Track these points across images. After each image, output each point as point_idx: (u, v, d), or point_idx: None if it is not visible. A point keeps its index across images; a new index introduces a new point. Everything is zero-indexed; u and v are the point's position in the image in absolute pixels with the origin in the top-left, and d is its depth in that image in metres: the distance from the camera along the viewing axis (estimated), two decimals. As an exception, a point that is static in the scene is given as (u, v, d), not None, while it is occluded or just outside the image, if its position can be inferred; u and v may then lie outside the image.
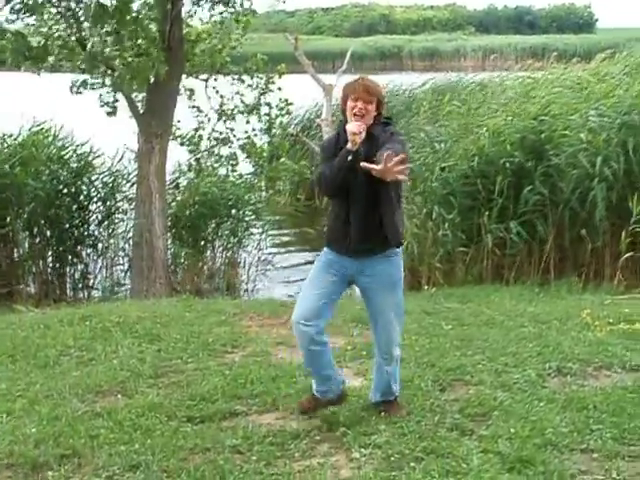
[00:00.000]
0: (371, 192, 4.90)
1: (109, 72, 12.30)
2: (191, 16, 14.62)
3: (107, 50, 11.78)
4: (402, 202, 5.26)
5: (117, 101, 13.70)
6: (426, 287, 11.82)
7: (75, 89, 13.75)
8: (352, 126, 4.83)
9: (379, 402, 5.39)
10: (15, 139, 14.15)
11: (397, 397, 5.43)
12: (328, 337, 5.21)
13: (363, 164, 4.59)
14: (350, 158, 4.80)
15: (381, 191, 4.88)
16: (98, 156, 14.70)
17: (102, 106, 13.81)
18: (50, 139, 14.66)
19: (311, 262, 14.84)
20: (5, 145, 13.97)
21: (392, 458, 4.67)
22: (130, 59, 11.67)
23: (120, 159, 14.91)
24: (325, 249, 5.25)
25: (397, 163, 4.45)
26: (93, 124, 15.09)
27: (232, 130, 15.87)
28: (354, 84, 5.04)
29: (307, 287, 5.19)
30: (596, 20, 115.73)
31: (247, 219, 15.36)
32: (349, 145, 4.82)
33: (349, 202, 5.02)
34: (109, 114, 13.74)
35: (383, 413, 5.28)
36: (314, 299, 5.07)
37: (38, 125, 14.76)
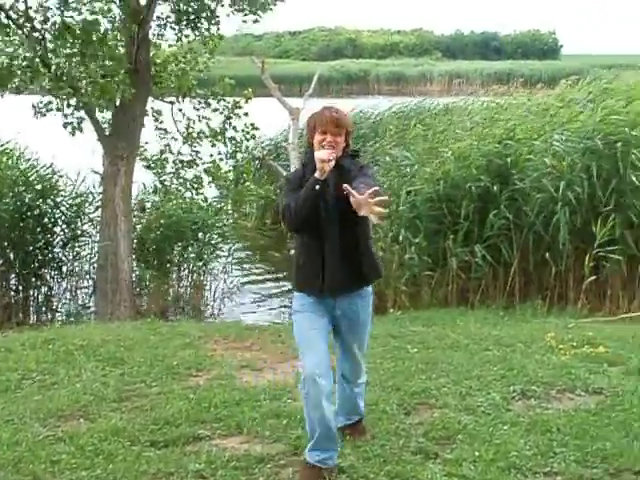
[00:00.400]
0: (346, 225, 4.67)
1: (74, 92, 12.23)
2: (161, 36, 14.59)
3: (72, 71, 11.77)
4: (371, 234, 5.06)
5: (82, 120, 13.58)
6: (392, 310, 11.84)
7: (38, 111, 13.65)
8: (322, 153, 4.59)
9: (345, 426, 5.28)
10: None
11: (362, 419, 5.38)
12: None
13: (345, 186, 4.30)
14: (318, 187, 4.57)
15: (355, 224, 4.63)
16: (61, 176, 14.59)
17: (65, 126, 13.69)
18: (14, 160, 14.55)
19: (280, 293, 15.08)
20: (-32, 166, 13.84)
21: (356, 482, 4.65)
22: (97, 79, 11.66)
23: (82, 180, 14.81)
24: (297, 295, 4.96)
25: (378, 202, 4.18)
26: (57, 145, 14.99)
27: (198, 153, 15.83)
28: (321, 116, 4.76)
29: (307, 335, 4.83)
30: (561, 46, 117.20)
31: (213, 242, 15.31)
32: (317, 174, 4.58)
33: (321, 238, 4.73)
34: (72, 133, 13.61)
35: (348, 437, 5.25)
36: (322, 348, 4.76)
37: (1, 145, 14.65)
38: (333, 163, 4.60)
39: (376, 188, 4.22)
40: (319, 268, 4.77)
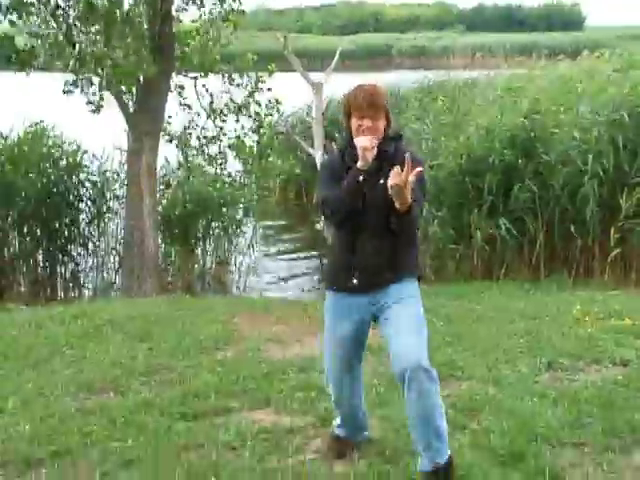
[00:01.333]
0: (383, 216, 4.19)
1: (98, 71, 12.24)
2: (185, 10, 14.54)
3: (96, 49, 11.77)
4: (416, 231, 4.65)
5: (102, 99, 13.57)
6: (417, 284, 11.81)
7: (67, 89, 13.65)
8: (363, 140, 4.14)
9: (430, 472, 4.24)
10: (5, 138, 14.12)
11: (450, 459, 4.30)
12: None
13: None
14: (361, 179, 4.16)
15: (393, 215, 4.13)
16: (85, 152, 14.65)
17: (88, 104, 13.71)
18: (40, 137, 14.61)
19: (304, 268, 15.10)
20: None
21: (386, 452, 4.67)
22: (119, 59, 11.66)
23: (107, 158, 14.87)
24: (327, 293, 4.54)
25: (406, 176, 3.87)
26: (82, 122, 15.02)
27: (222, 129, 15.80)
28: (356, 98, 4.23)
29: (327, 348, 4.57)
30: (585, 18, 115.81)
31: (238, 217, 15.34)
32: (360, 163, 4.15)
33: (355, 230, 4.30)
34: (94, 112, 13.64)
35: None
36: (338, 367, 4.53)
37: (31, 125, 14.66)
38: (375, 150, 4.19)
39: (420, 169, 3.95)
40: (351, 262, 4.35)
